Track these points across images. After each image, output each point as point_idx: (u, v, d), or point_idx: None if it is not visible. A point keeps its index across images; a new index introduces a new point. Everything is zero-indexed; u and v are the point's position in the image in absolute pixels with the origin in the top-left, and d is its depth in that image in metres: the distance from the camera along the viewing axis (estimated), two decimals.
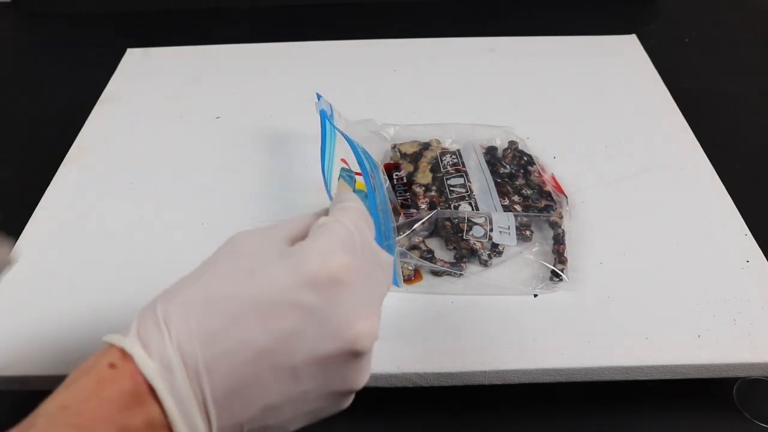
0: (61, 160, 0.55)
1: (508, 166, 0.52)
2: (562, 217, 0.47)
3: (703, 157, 0.54)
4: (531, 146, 0.54)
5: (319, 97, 0.53)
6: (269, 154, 0.55)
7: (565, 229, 0.46)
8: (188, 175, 0.54)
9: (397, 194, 0.49)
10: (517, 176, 0.51)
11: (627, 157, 0.54)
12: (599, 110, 0.59)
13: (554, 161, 0.53)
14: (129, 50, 0.70)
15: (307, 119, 0.56)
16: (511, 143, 0.54)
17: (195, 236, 0.48)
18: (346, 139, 0.47)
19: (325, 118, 0.50)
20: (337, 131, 0.48)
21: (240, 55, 0.69)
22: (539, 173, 0.51)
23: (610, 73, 0.64)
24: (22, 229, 0.49)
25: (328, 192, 0.45)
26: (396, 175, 0.51)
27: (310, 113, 0.54)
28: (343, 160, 0.48)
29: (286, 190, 0.52)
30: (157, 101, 0.62)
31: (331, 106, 0.52)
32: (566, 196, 0.49)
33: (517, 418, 0.43)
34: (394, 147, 0.54)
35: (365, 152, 0.48)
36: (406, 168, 0.52)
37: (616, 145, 0.55)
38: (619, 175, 0.52)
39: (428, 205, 0.48)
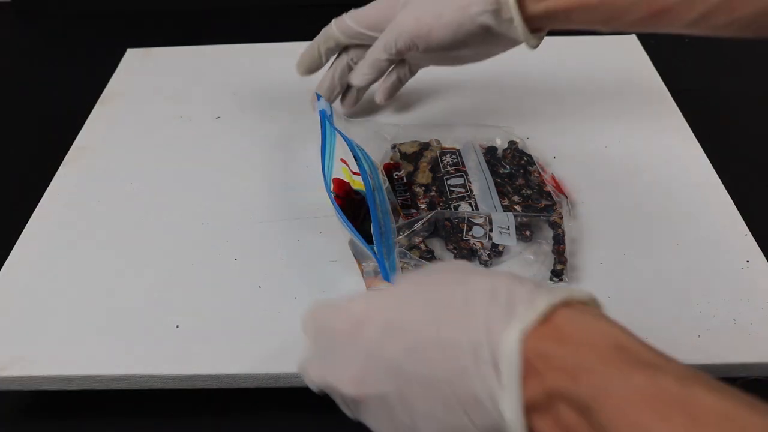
0: (61, 160, 0.55)
1: (508, 166, 0.52)
2: (562, 217, 0.47)
3: (703, 157, 0.54)
4: (531, 146, 0.54)
5: (318, 97, 0.53)
6: (269, 154, 0.55)
7: (565, 229, 0.46)
8: (188, 175, 0.54)
9: (397, 194, 0.49)
10: (517, 176, 0.51)
11: (627, 157, 0.54)
12: (599, 110, 0.59)
13: (554, 161, 0.53)
14: (129, 50, 0.70)
15: (307, 119, 0.56)
16: (511, 143, 0.54)
17: (195, 236, 0.48)
18: (344, 139, 0.47)
19: (324, 118, 0.50)
20: (336, 132, 0.48)
21: (240, 55, 0.69)
22: (539, 173, 0.51)
23: (610, 73, 0.64)
24: (22, 229, 0.49)
25: (329, 192, 0.45)
26: (396, 175, 0.51)
27: (310, 113, 0.55)
28: (343, 161, 0.48)
29: (286, 190, 0.52)
30: (157, 101, 0.62)
31: (330, 106, 0.52)
32: (566, 196, 0.49)
33: None
34: (394, 147, 0.54)
35: (364, 153, 0.48)
36: (406, 168, 0.51)
37: (616, 145, 0.55)
38: (619, 175, 0.52)
39: (428, 205, 0.48)
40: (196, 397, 0.41)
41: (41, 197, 0.52)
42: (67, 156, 0.56)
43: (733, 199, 0.50)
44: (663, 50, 0.69)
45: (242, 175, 0.53)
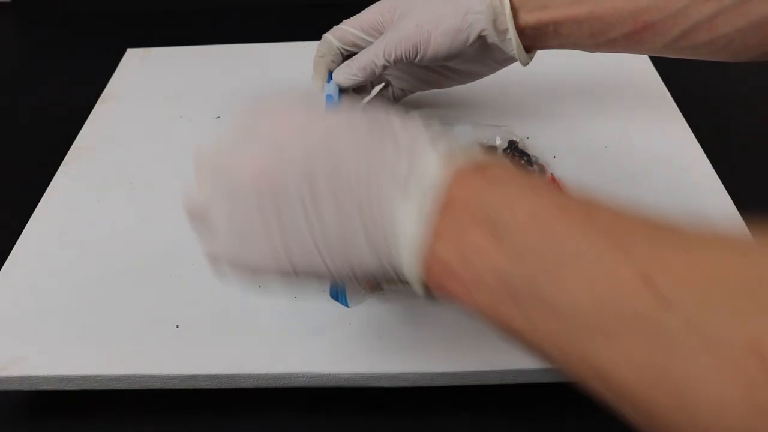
0: (61, 160, 0.55)
1: None
2: None
3: (703, 157, 0.54)
4: (531, 146, 0.54)
5: (331, 77, 0.51)
6: None
7: None
8: (188, 175, 0.53)
9: None
10: None
11: (627, 157, 0.54)
12: (599, 110, 0.59)
13: (554, 161, 0.53)
14: (129, 50, 0.70)
15: None
16: (511, 143, 0.54)
17: (195, 236, 0.48)
18: None
19: (330, 104, 0.49)
20: None
21: (240, 55, 0.69)
22: (539, 173, 0.51)
23: (610, 73, 0.63)
24: (22, 229, 0.49)
25: None
26: None
27: None
28: None
29: None
30: (157, 101, 0.62)
31: (338, 91, 0.51)
32: None
33: (517, 418, 0.43)
34: None
35: None
36: None
37: (616, 145, 0.55)
38: (619, 175, 0.52)
39: None
40: (196, 397, 0.41)
41: (41, 197, 0.52)
42: (67, 156, 0.56)
43: (733, 199, 0.50)
44: None
45: None
